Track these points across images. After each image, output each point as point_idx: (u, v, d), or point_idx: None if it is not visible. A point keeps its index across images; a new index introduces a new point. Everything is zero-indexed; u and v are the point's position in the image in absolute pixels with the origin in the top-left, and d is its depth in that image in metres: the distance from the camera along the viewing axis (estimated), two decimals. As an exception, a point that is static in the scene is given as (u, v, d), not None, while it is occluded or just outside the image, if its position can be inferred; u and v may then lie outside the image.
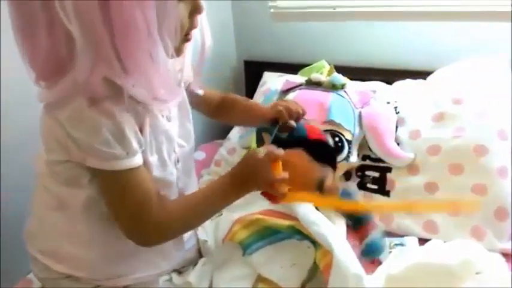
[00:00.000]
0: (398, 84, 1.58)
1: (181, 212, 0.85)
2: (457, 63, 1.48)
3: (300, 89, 1.50)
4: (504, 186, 1.19)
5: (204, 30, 0.87)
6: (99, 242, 0.88)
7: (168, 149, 0.87)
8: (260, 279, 1.02)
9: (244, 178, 0.87)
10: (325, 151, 1.13)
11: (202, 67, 0.91)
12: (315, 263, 1.05)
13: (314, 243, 1.08)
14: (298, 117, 1.14)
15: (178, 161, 0.92)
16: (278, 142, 1.03)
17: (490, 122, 1.27)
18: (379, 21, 1.69)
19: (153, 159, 0.82)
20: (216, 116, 1.22)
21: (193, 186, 1.00)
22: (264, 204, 1.17)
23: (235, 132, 1.71)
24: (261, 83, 1.87)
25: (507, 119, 1.28)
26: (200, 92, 1.02)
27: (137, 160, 0.78)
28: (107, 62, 0.68)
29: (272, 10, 1.81)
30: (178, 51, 0.80)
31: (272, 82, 1.79)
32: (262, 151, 0.86)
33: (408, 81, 1.57)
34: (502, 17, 1.46)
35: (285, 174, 0.85)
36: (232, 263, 1.07)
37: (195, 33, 0.84)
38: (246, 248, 1.09)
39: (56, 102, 0.74)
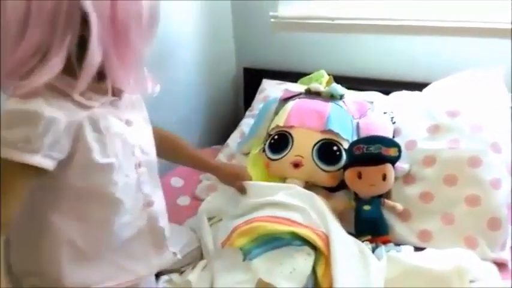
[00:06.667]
0: (395, 95, 1.62)
1: None
2: (453, 76, 1.52)
3: (299, 98, 1.54)
4: (497, 197, 1.23)
5: None
6: (64, 240, 0.88)
7: (123, 151, 0.88)
8: (261, 284, 1.04)
9: None
10: None
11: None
12: (314, 269, 1.08)
13: (315, 249, 1.11)
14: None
15: (140, 166, 0.94)
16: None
17: (484, 134, 1.31)
18: (377, 34, 1.73)
19: (108, 160, 0.84)
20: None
21: (160, 195, 1.02)
22: (264, 212, 1.21)
23: (234, 139, 1.73)
24: (259, 90, 1.89)
25: (501, 132, 1.33)
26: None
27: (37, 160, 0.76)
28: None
29: (272, 20, 1.84)
30: None
31: (271, 90, 1.82)
32: None
33: (404, 93, 1.61)
34: (500, 33, 1.51)
35: None
36: (233, 268, 1.09)
37: None
38: (246, 253, 1.11)
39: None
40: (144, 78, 0.90)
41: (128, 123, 0.91)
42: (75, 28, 0.74)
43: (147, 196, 0.97)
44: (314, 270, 1.08)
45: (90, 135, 0.81)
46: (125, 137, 0.89)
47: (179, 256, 1.09)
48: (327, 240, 1.12)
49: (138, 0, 0.78)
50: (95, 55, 0.75)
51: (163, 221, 1.00)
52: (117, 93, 0.88)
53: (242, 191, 1.30)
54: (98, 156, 0.82)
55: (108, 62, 0.78)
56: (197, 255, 1.25)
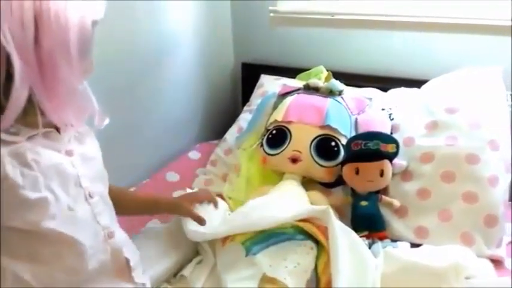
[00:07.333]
0: (394, 92, 1.62)
1: None
2: (451, 74, 1.51)
3: (298, 93, 1.53)
4: (494, 194, 1.24)
5: None
6: (19, 285, 0.82)
7: (63, 183, 0.83)
8: (266, 279, 1.04)
9: None
10: None
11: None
12: (315, 265, 1.08)
13: (317, 244, 1.11)
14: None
15: (91, 196, 0.88)
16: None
17: (482, 132, 1.31)
18: (376, 30, 1.73)
19: (40, 195, 0.78)
20: None
21: (118, 226, 0.95)
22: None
23: (232, 133, 1.73)
24: (257, 85, 1.89)
25: (499, 130, 1.33)
26: None
27: None
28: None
29: (271, 15, 1.83)
30: None
31: (269, 85, 1.82)
32: None
33: (403, 90, 1.60)
34: (500, 30, 1.51)
35: None
36: (237, 264, 1.09)
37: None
38: (248, 249, 1.10)
39: None
40: (85, 111, 0.85)
41: (69, 153, 0.85)
42: (0, 67, 0.71)
43: (106, 228, 0.90)
44: (315, 267, 1.08)
45: (14, 172, 0.75)
46: (63, 167, 0.83)
47: (148, 285, 1.01)
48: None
49: (64, 33, 0.73)
50: (20, 93, 0.72)
51: (128, 252, 0.93)
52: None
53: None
54: (28, 193, 0.77)
55: (37, 97, 0.75)
56: (193, 253, 1.24)
